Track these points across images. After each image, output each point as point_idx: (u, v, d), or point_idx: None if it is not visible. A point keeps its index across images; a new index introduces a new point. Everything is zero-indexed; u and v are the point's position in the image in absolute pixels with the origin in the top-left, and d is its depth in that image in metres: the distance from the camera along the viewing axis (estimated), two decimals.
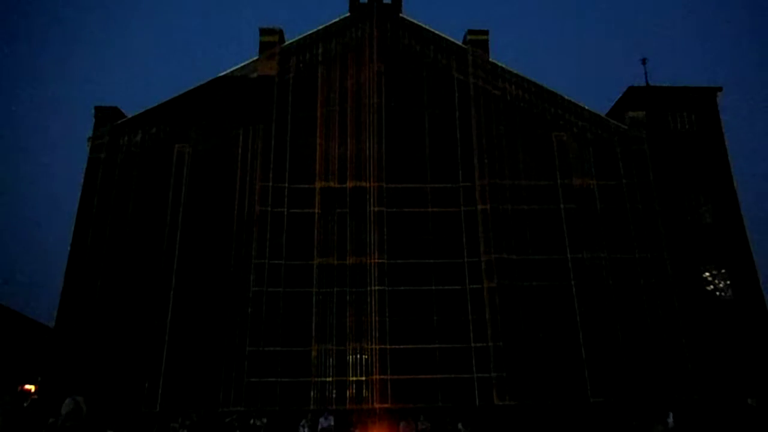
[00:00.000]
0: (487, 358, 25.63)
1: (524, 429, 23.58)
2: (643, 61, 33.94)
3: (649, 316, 26.72)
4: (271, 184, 27.77)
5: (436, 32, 31.05)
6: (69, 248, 26.62)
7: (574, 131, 29.81)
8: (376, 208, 27.63)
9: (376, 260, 26.76)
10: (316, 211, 27.70)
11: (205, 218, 27.17)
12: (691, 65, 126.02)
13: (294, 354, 25.40)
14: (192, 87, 29.38)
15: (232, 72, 29.58)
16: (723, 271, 28.25)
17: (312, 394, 24.98)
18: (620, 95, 32.44)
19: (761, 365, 26.37)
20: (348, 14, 31.19)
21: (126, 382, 24.39)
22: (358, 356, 25.64)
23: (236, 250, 26.59)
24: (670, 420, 22.89)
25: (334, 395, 25.02)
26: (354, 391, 25.20)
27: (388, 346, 25.60)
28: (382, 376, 25.14)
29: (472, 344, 25.96)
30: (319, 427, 22.82)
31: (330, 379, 25.26)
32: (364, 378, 25.33)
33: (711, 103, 31.32)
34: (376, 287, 26.36)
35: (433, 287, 26.86)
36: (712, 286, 28.08)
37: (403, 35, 30.94)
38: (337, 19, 31.00)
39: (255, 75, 29.53)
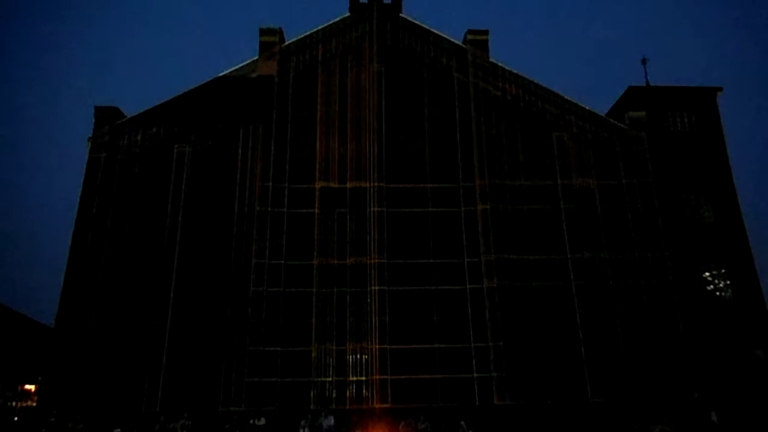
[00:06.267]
0: (487, 358, 25.63)
1: (524, 429, 23.58)
2: (643, 61, 33.96)
3: (649, 316, 26.71)
4: (271, 184, 27.77)
5: (436, 32, 31.05)
6: (69, 248, 26.63)
7: (574, 131, 29.81)
8: (376, 208, 27.63)
9: (376, 260, 26.76)
10: (316, 211, 27.71)
11: (205, 218, 27.17)
12: (691, 65, 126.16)
13: (294, 354, 25.40)
14: (192, 87, 29.39)
15: (232, 72, 29.58)
16: (723, 271, 28.25)
17: (312, 394, 24.98)
18: (620, 95, 32.45)
19: (761, 365, 26.36)
20: (348, 14, 31.20)
21: (126, 381, 24.40)
22: (358, 356, 25.64)
23: (236, 250, 26.59)
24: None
25: (334, 395, 25.03)
26: (354, 391, 25.20)
27: (388, 346, 25.60)
28: (382, 376, 25.13)
29: (472, 344, 25.96)
30: (319, 426, 22.82)
31: (330, 379, 25.27)
32: (364, 378, 25.33)
33: (711, 103, 31.32)
34: (376, 287, 26.36)
35: (433, 287, 26.86)
36: (712, 286, 28.08)
37: (403, 35, 30.95)
38: (337, 19, 31.01)
39: (255, 75, 29.54)
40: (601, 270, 27.47)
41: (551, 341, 26.16)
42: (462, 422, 22.59)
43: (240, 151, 28.25)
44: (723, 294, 27.98)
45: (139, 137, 28.66)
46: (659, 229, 28.21)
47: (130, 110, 29.53)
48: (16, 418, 28.86)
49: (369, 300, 26.25)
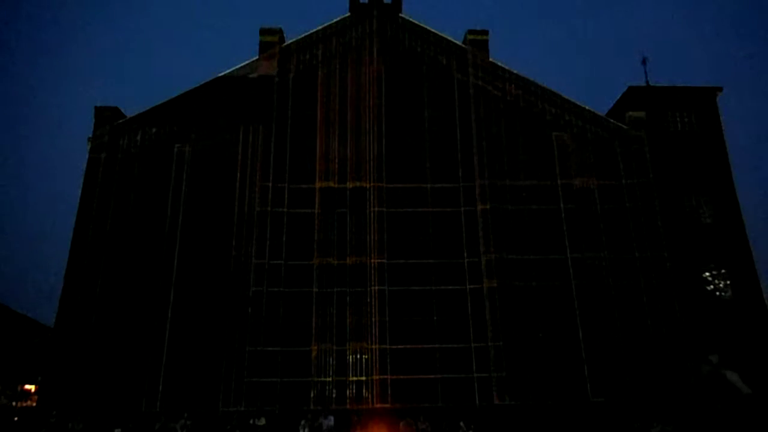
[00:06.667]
0: (487, 358, 25.62)
1: (524, 429, 23.57)
2: (643, 61, 33.95)
3: (649, 316, 26.72)
4: (271, 184, 27.77)
5: (436, 32, 31.06)
6: (69, 248, 26.63)
7: (574, 131, 29.81)
8: (376, 208, 27.63)
9: (376, 260, 26.76)
10: (316, 211, 27.70)
11: (205, 218, 27.17)
12: (691, 65, 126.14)
13: (294, 354, 25.40)
14: (192, 87, 29.40)
15: (232, 72, 29.58)
16: (723, 271, 28.24)
17: (312, 394, 24.98)
18: (620, 95, 32.45)
19: (761, 365, 26.35)
20: (348, 14, 31.20)
21: (126, 381, 24.40)
22: (358, 356, 25.64)
23: (236, 250, 26.59)
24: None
25: (334, 395, 25.03)
26: (354, 391, 25.20)
27: (388, 346, 25.60)
28: (382, 376, 25.13)
29: (472, 344, 25.96)
30: (319, 426, 22.82)
31: (330, 379, 25.27)
32: (364, 378, 25.33)
33: (711, 103, 31.31)
34: (376, 287, 26.36)
35: (433, 287, 26.85)
36: (712, 286, 28.07)
37: (403, 35, 30.95)
38: (337, 19, 31.01)
39: (255, 75, 29.53)
40: (601, 270, 27.47)
41: (551, 341, 26.16)
42: (461, 422, 22.59)
43: (240, 151, 28.24)
44: (723, 294, 27.97)
45: (139, 137, 28.66)
46: (659, 229, 28.20)
47: (130, 110, 29.57)
48: (16, 418, 28.84)
49: (369, 300, 26.25)
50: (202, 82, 29.44)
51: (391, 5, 31.35)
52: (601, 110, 31.82)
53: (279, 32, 30.48)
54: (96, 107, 29.14)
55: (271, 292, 26.07)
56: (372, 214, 27.57)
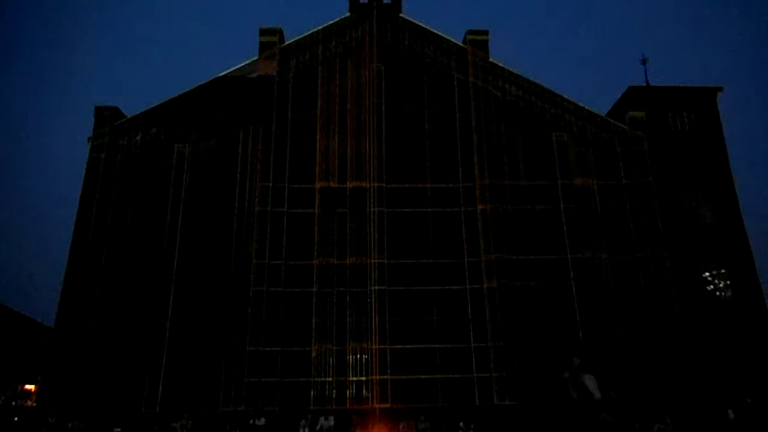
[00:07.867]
0: (487, 358, 25.63)
1: (524, 429, 23.57)
2: (643, 61, 33.96)
3: (649, 316, 26.71)
4: (271, 184, 27.77)
5: (436, 32, 31.05)
6: (69, 248, 26.63)
7: (574, 131, 29.81)
8: (376, 208, 27.62)
9: (376, 260, 26.76)
10: (316, 211, 27.71)
11: (205, 218, 27.18)
12: (691, 65, 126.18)
13: (294, 354, 25.40)
14: (192, 87, 29.39)
15: (232, 72, 29.58)
16: (723, 271, 28.23)
17: (312, 394, 24.98)
18: (620, 95, 32.45)
19: (761, 365, 26.37)
20: (348, 14, 31.20)
21: (126, 382, 24.41)
22: (358, 356, 25.64)
23: (236, 250, 26.60)
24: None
25: (334, 395, 25.03)
26: (354, 391, 25.20)
27: (388, 346, 25.60)
28: (382, 376, 25.13)
29: (472, 344, 25.96)
30: (319, 427, 22.85)
31: (330, 379, 25.27)
32: (364, 378, 25.33)
33: (711, 103, 31.31)
34: (376, 287, 26.35)
35: (433, 287, 26.86)
36: (712, 286, 28.07)
37: (403, 35, 30.94)
38: (337, 19, 31.02)
39: (255, 75, 29.53)
40: (601, 270, 27.47)
41: (551, 341, 26.14)
42: (461, 422, 22.60)
43: (240, 151, 28.24)
44: (723, 294, 27.96)
45: (139, 137, 28.66)
46: (659, 229, 28.19)
47: (130, 110, 29.56)
48: (16, 419, 28.85)
49: (369, 300, 26.25)
50: (202, 82, 29.46)
51: (391, 5, 31.35)
52: (601, 110, 31.86)
53: (279, 32, 30.48)
54: (96, 107, 29.14)
55: (271, 292, 26.07)
56: (372, 214, 27.57)
